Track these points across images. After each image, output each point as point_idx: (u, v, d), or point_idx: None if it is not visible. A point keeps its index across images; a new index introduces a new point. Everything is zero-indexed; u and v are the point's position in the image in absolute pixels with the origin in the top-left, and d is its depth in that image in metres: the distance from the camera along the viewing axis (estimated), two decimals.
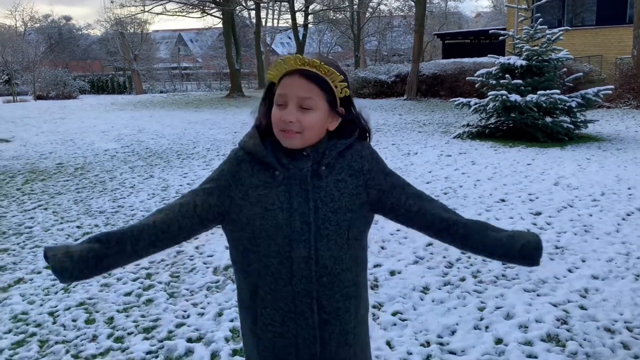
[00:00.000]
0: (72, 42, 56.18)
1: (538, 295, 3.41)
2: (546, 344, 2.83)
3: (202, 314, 3.30)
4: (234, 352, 2.83)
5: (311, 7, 29.18)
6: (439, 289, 3.53)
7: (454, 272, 3.80)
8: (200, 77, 45.00)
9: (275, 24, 38.27)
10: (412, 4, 23.88)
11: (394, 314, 3.20)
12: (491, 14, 49.34)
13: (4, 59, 35.15)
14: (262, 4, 29.81)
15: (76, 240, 4.79)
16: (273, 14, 36.75)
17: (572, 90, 10.06)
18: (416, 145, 9.40)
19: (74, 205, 6.03)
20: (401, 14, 37.32)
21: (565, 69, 10.22)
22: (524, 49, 9.79)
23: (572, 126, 9.33)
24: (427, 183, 6.51)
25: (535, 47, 9.78)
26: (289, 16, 30.08)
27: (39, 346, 2.99)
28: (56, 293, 3.66)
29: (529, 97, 9.16)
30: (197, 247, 4.50)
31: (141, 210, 5.72)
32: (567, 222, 4.85)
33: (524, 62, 9.65)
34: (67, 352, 2.91)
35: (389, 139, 10.29)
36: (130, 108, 21.04)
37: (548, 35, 9.85)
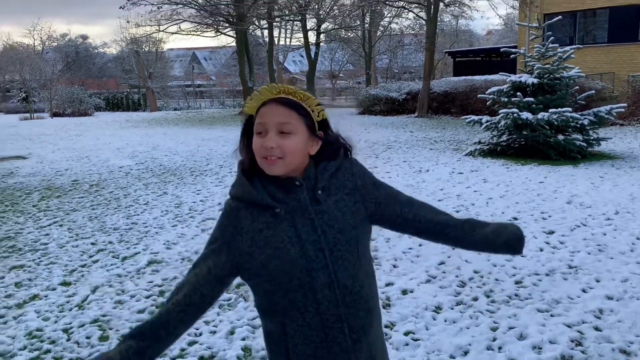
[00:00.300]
0: (89, 61, 57.12)
1: (552, 315, 3.38)
2: None
3: (214, 332, 3.31)
4: None
5: (323, 26, 29.46)
6: (452, 309, 3.52)
7: (466, 292, 3.78)
8: (214, 95, 45.43)
9: (288, 43, 38.70)
10: (423, 22, 24.05)
11: (406, 334, 3.19)
12: (502, 32, 49.40)
13: (22, 77, 35.82)
14: (275, 23, 30.16)
15: (90, 257, 4.85)
16: (286, 33, 37.18)
17: (584, 108, 10.03)
18: (428, 163, 9.40)
19: (88, 222, 6.10)
20: (412, 32, 37.53)
21: (577, 87, 10.21)
22: (535, 67, 9.80)
23: (584, 144, 9.29)
24: (439, 201, 6.50)
25: (547, 65, 9.78)
26: (301, 35, 30.40)
27: None
28: (70, 310, 3.70)
29: (540, 115, 9.15)
30: None
31: (154, 227, 5.77)
32: (581, 241, 4.82)
33: (535, 80, 9.65)
34: None
35: (401, 156, 10.30)
36: (145, 125, 21.29)
37: (559, 53, 9.86)
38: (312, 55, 28.44)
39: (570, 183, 7.33)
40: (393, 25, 35.66)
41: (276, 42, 33.85)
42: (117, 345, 1.25)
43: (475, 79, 19.26)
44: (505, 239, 1.44)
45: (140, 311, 3.64)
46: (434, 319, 3.38)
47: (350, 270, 1.32)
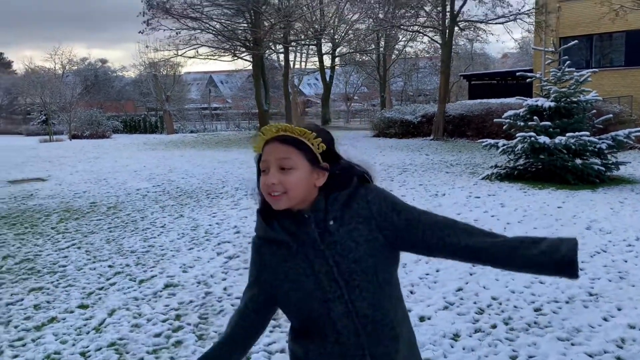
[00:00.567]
0: (107, 84, 58.27)
1: (572, 344, 3.32)
2: None
3: None
4: None
5: (338, 50, 29.79)
6: (470, 336, 3.47)
7: (484, 319, 3.73)
8: (230, 117, 45.92)
9: (303, 66, 39.10)
10: (438, 46, 24.20)
11: None
12: (518, 55, 49.51)
13: (43, 100, 36.59)
14: (290, 48, 30.56)
15: (108, 279, 4.88)
16: (301, 57, 37.59)
17: (602, 132, 9.96)
18: (444, 186, 9.36)
19: (106, 244, 6.16)
20: (427, 55, 37.72)
21: (594, 111, 10.15)
22: (552, 91, 9.78)
23: (603, 168, 9.20)
24: None
25: (564, 89, 9.76)
26: (316, 58, 30.77)
27: None
28: (88, 333, 3.72)
29: (558, 139, 9.10)
30: (225, 289, 4.53)
31: (171, 250, 5.80)
32: (601, 267, 4.74)
33: (552, 104, 9.62)
34: None
35: (416, 179, 10.28)
36: (162, 147, 21.54)
37: (576, 77, 9.84)
38: (327, 79, 28.72)
39: (589, 208, 7.24)
40: (408, 49, 35.90)
41: (292, 66, 34.24)
42: None
43: (491, 102, 19.26)
44: (556, 261, 1.27)
45: (157, 335, 3.65)
46: (452, 347, 3.33)
47: (369, 299, 1.32)
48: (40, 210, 8.40)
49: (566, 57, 10.45)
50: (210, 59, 28.72)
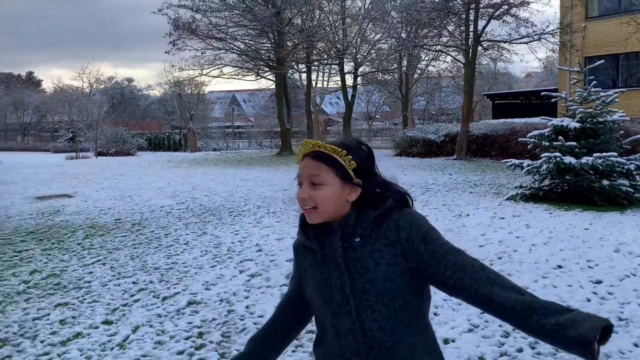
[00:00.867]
0: (133, 102, 59.46)
1: None
2: None
3: None
4: None
5: (360, 69, 29.91)
6: None
7: (510, 342, 3.66)
8: (252, 135, 46.39)
9: (325, 85, 39.33)
10: (461, 65, 24.16)
11: None
12: (542, 75, 49.11)
13: (70, 118, 37.48)
14: (313, 67, 30.82)
15: (132, 296, 4.93)
16: (323, 76, 37.85)
17: (630, 153, 9.79)
18: (468, 207, 9.27)
19: (130, 261, 6.22)
20: (449, 74, 37.66)
21: (622, 131, 9.99)
22: (577, 111, 9.66)
23: (631, 190, 9.00)
24: (480, 247, 6.38)
25: (590, 109, 9.64)
26: (338, 77, 30.88)
27: None
28: (112, 349, 3.75)
29: (584, 160, 8.96)
30: (247, 307, 4.53)
31: (194, 267, 5.84)
32: (631, 292, 4.62)
33: (578, 124, 9.50)
34: None
35: (440, 200, 10.20)
36: (186, 165, 21.80)
37: (603, 97, 9.71)
38: (349, 98, 28.82)
39: (618, 230, 7.08)
40: (430, 68, 35.91)
41: (314, 85, 34.49)
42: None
43: (515, 121, 19.11)
44: (572, 340, 1.14)
45: (180, 352, 3.66)
46: None
47: (381, 323, 1.31)
48: (66, 226, 8.54)
49: (592, 76, 10.31)
50: (234, 78, 29.10)
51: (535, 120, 16.25)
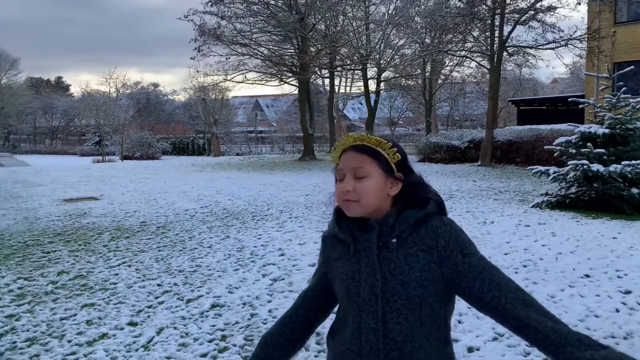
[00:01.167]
0: (158, 107, 60.33)
1: None
2: None
3: None
4: None
5: (384, 74, 29.87)
6: None
7: (536, 352, 3.60)
8: (274, 140, 46.69)
9: (348, 91, 39.38)
10: (486, 71, 23.94)
11: None
12: (568, 81, 48.40)
13: (97, 122, 38.17)
14: (336, 72, 30.89)
15: (156, 298, 4.98)
16: (346, 82, 37.91)
17: None
18: (492, 214, 9.16)
19: (155, 263, 6.30)
20: (474, 80, 37.37)
21: None
22: (606, 118, 9.49)
23: None
24: (506, 254, 6.29)
25: (619, 116, 9.46)
26: (361, 83, 30.91)
27: None
28: (137, 350, 3.79)
29: (612, 167, 8.79)
30: (270, 311, 4.54)
31: (217, 271, 5.88)
32: None
33: (606, 131, 9.33)
34: None
35: (464, 206, 10.10)
36: (209, 169, 22.01)
37: (632, 104, 9.52)
38: (372, 103, 28.78)
39: None
40: (454, 74, 35.69)
41: (336, 90, 34.55)
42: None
43: (541, 128, 18.86)
44: None
45: (203, 355, 3.68)
46: None
47: (404, 327, 1.29)
48: (93, 229, 8.69)
49: (621, 82, 10.12)
50: (258, 83, 29.37)
51: (562, 126, 16.00)
